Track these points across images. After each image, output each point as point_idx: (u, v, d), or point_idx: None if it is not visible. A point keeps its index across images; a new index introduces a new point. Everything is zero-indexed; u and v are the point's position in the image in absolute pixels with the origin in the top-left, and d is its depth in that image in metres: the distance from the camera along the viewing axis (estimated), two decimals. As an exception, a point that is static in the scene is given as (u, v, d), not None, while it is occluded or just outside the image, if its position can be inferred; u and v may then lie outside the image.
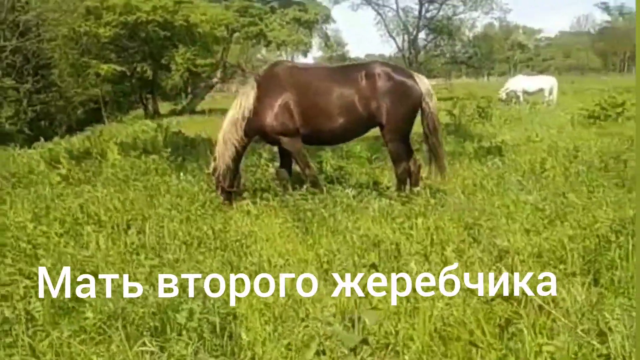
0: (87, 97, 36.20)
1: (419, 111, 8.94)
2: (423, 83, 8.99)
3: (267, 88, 9.20)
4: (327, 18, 45.19)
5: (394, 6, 49.55)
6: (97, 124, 31.19)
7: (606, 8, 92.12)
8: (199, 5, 35.83)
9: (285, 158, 9.52)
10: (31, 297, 4.72)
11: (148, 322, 4.39)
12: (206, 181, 9.57)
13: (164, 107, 41.83)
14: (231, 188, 9.31)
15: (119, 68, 34.18)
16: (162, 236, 6.89)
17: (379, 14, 49.60)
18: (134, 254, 6.22)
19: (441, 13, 48.98)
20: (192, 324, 4.25)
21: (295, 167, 9.63)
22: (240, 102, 9.23)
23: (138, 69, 36.56)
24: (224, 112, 30.19)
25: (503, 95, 31.56)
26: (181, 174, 10.56)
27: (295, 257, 6.44)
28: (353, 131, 9.30)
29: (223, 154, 9.22)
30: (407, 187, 9.00)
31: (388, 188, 9.97)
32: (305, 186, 8.80)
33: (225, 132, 9.22)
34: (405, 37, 48.69)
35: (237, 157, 9.33)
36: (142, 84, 36.83)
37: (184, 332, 4.26)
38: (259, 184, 10.12)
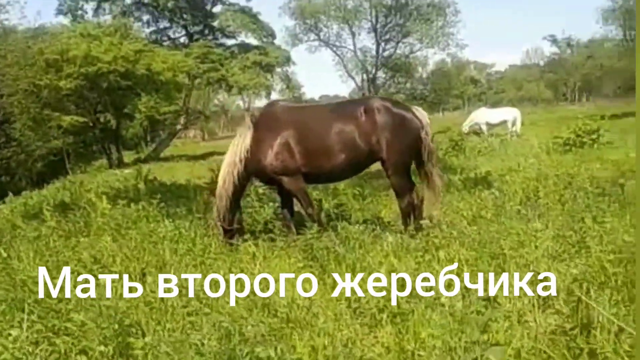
0: (48, 150, 35.67)
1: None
2: (421, 115, 8.99)
3: (265, 128, 9.09)
4: (288, 60, 45.56)
5: (352, 47, 50.06)
6: (59, 176, 30.62)
7: (554, 40, 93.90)
8: (159, 53, 35.77)
9: (286, 198, 9.38)
10: (75, 353, 4.46)
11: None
12: (207, 224, 9.43)
13: (127, 156, 41.40)
14: (231, 226, 9.13)
15: (81, 119, 33.81)
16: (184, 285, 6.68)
17: (337, 54, 50.23)
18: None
19: (398, 51, 49.75)
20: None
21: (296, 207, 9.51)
22: (238, 143, 9.10)
23: (101, 119, 36.16)
24: (188, 157, 30.17)
25: (466, 129, 31.83)
26: (171, 220, 10.37)
27: (321, 299, 6.29)
28: (355, 167, 9.22)
29: (222, 195, 9.06)
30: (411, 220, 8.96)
31: (389, 223, 9.91)
32: (310, 225, 8.68)
33: (224, 174, 9.07)
34: (364, 76, 49.23)
35: (237, 198, 9.19)
36: (105, 134, 36.38)
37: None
38: (255, 226, 9.94)
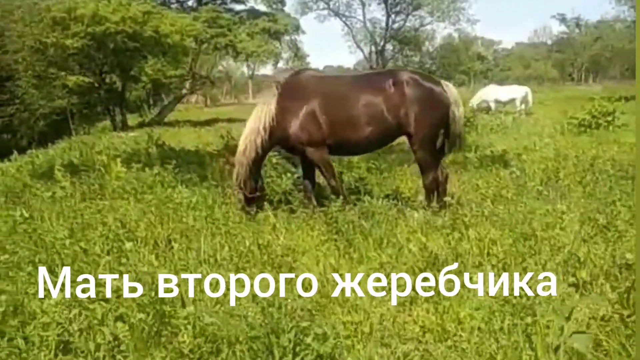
0: (52, 109, 35.43)
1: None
2: (450, 90, 8.80)
3: (291, 96, 8.91)
4: (297, 29, 45.11)
5: (361, 17, 49.54)
6: (63, 136, 30.37)
7: (563, 19, 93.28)
8: (167, 16, 35.18)
9: (308, 169, 9.22)
10: (114, 320, 4.31)
11: (252, 345, 4.04)
12: (225, 192, 9.32)
13: (130, 119, 41.05)
14: (253, 194, 8.99)
15: (86, 80, 33.42)
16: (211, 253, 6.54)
17: (346, 25, 49.74)
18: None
19: (408, 24, 49.31)
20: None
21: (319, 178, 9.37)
22: (262, 110, 8.93)
23: (107, 80, 35.78)
24: (192, 123, 29.92)
25: (474, 106, 31.46)
26: (185, 186, 10.25)
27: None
28: (381, 141, 9.07)
29: (242, 162, 8.90)
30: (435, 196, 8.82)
31: (409, 198, 9.78)
32: (333, 197, 8.54)
33: (246, 141, 8.90)
34: (373, 48, 48.77)
35: (257, 165, 9.06)
36: (110, 95, 35.98)
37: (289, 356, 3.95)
38: (273, 196, 9.79)
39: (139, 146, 17.70)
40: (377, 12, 69.71)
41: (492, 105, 32.15)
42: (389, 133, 8.82)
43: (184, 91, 43.71)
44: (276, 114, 8.82)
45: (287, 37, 44.73)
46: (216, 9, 40.30)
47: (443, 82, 9.03)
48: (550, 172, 10.89)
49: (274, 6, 44.27)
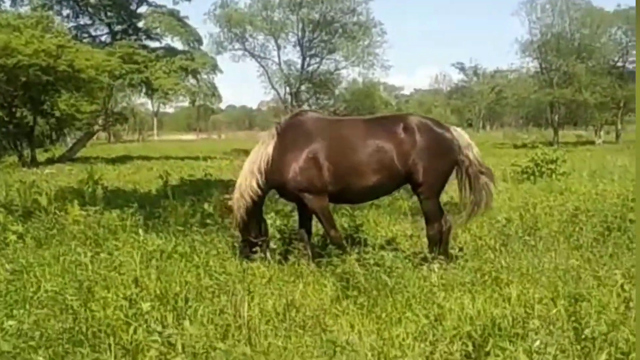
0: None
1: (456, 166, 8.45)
2: (460, 134, 8.48)
3: (291, 138, 8.37)
4: (214, 68, 44.49)
5: (277, 59, 49.42)
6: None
7: (462, 68, 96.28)
8: (82, 50, 34.07)
9: (304, 217, 8.68)
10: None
11: None
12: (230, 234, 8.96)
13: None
14: (258, 238, 8.41)
15: (-4, 113, 31.85)
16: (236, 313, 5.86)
17: (261, 66, 49.43)
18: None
19: (323, 67, 49.47)
20: None
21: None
22: (259, 152, 8.39)
23: (17, 115, 34.06)
24: (105, 160, 28.81)
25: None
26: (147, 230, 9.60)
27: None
28: (386, 189, 8.69)
29: (240, 205, 8.37)
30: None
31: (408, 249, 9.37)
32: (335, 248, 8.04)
33: (242, 184, 8.37)
34: (288, 89, 48.67)
35: (254, 210, 8.49)
36: (19, 130, 34.27)
37: None
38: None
39: (71, 185, 16.60)
40: (292, 55, 69.82)
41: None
42: (397, 181, 8.43)
43: (96, 127, 42.20)
44: (273, 156, 8.30)
45: (204, 76, 44.10)
46: (132, 45, 39.27)
47: (452, 127, 8.71)
48: (528, 222, 10.70)
49: (191, 44, 43.53)
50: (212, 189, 14.79)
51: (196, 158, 36.61)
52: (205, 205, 11.79)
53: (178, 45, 43.54)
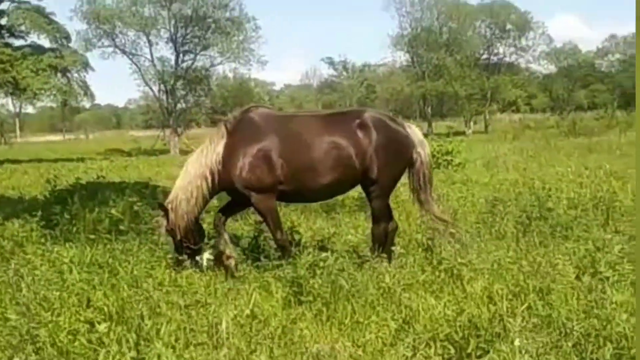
0: None
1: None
2: (414, 132, 8.27)
3: (241, 136, 7.89)
4: (86, 65, 42.56)
5: (149, 56, 47.92)
6: None
7: (331, 62, 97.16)
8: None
9: (231, 206, 8.36)
10: None
11: None
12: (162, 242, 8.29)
13: None
14: (198, 245, 7.96)
15: None
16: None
17: (133, 62, 47.81)
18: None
19: (198, 64, 48.47)
20: None
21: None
22: (207, 152, 7.87)
23: None
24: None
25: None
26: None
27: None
28: (342, 188, 8.34)
29: (188, 212, 7.83)
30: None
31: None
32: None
33: (190, 188, 7.83)
34: (162, 86, 47.30)
35: (199, 214, 8.07)
36: None
37: None
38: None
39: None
40: (165, 51, 68.11)
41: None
42: (354, 180, 8.09)
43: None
44: (224, 155, 7.82)
45: (75, 74, 42.09)
46: (-5, 43, 37.02)
47: (406, 124, 8.48)
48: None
49: (59, 42, 41.42)
50: (106, 192, 13.98)
51: (70, 160, 35.06)
52: (113, 210, 11.06)
53: (45, 43, 41.41)
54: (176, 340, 5.04)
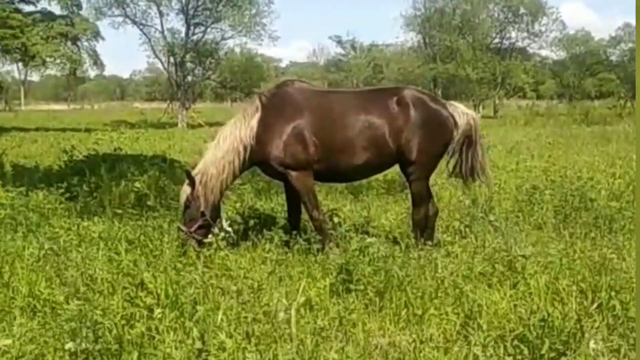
0: None
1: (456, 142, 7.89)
2: (456, 110, 7.91)
3: (276, 111, 7.61)
4: (97, 34, 42.06)
5: (159, 27, 47.26)
6: None
7: (339, 41, 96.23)
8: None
9: (293, 201, 8.04)
10: None
11: None
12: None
13: None
14: (216, 221, 7.65)
15: None
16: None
17: (144, 33, 47.18)
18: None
19: (209, 37, 47.83)
20: None
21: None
22: (240, 127, 7.56)
23: None
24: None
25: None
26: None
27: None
28: (377, 168, 8.03)
29: (216, 187, 7.54)
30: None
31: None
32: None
33: (223, 162, 7.52)
34: (172, 59, 46.72)
35: (227, 189, 7.88)
36: None
37: None
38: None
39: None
40: (176, 22, 67.24)
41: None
42: (388, 160, 7.78)
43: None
44: (258, 131, 7.53)
45: (85, 43, 41.58)
46: (5, 8, 36.39)
47: (451, 104, 8.13)
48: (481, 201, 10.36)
49: (70, 9, 40.80)
50: (124, 165, 13.65)
51: (77, 130, 34.62)
52: (137, 184, 10.73)
53: (56, 9, 40.80)
54: (235, 329, 4.71)
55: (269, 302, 5.28)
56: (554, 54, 63.09)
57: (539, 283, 5.85)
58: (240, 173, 7.83)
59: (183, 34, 47.02)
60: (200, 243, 7.36)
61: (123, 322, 4.54)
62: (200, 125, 38.37)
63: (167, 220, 8.46)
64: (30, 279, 5.67)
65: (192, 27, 46.91)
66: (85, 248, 6.77)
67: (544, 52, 66.98)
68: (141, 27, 46.98)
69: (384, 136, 7.53)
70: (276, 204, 10.20)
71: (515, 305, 5.50)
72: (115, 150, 15.91)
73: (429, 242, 7.45)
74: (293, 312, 4.85)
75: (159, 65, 54.89)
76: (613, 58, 61.84)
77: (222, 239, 7.22)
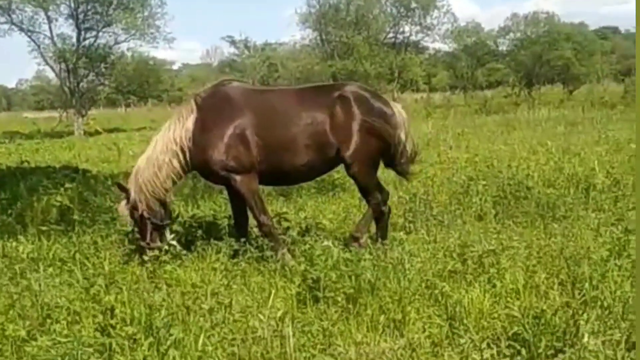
0: None
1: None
2: (399, 112, 7.72)
3: (214, 112, 7.22)
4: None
5: (48, 33, 45.24)
6: None
7: (232, 42, 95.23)
8: None
9: (238, 207, 7.65)
10: None
11: None
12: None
13: None
14: (163, 222, 7.32)
15: None
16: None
17: (32, 40, 45.08)
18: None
19: (102, 41, 46.16)
20: None
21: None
22: (174, 129, 7.15)
23: None
24: None
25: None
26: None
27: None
28: (321, 168, 7.69)
29: (152, 189, 7.20)
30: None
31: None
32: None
33: (158, 164, 7.16)
34: (64, 65, 44.82)
35: (167, 191, 7.39)
36: None
37: None
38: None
39: None
40: (65, 28, 64.85)
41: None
42: (331, 158, 7.46)
43: None
44: (194, 132, 7.14)
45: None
46: None
47: (391, 102, 7.92)
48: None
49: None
50: (33, 178, 12.86)
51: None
52: (58, 198, 10.05)
53: None
54: (222, 353, 4.30)
55: (246, 320, 4.87)
56: (446, 46, 64.21)
57: (516, 278, 5.67)
58: (179, 178, 7.42)
59: (74, 39, 45.23)
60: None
61: (98, 356, 4.04)
62: (97, 132, 37.06)
63: (102, 235, 7.90)
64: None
65: (83, 32, 45.17)
66: (23, 271, 6.12)
67: (437, 45, 68.15)
68: (29, 33, 44.91)
69: (325, 133, 7.27)
70: (209, 210, 9.78)
71: (497, 303, 5.30)
72: (22, 162, 14.96)
73: (385, 241, 7.26)
74: (289, 331, 4.46)
75: (48, 73, 52.65)
76: (503, 48, 63.34)
77: (167, 252, 6.82)
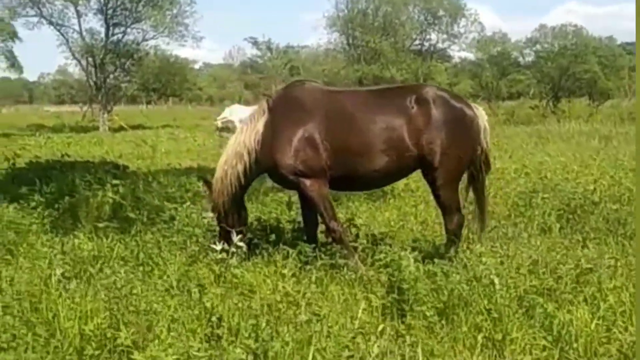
0: None
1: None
2: (481, 114, 7.38)
3: (284, 114, 6.97)
4: (14, 35, 39.81)
5: (77, 27, 45.21)
6: None
7: (255, 42, 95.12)
8: None
9: (309, 212, 7.42)
10: None
11: None
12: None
13: None
14: (234, 228, 7.09)
15: None
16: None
17: (61, 34, 45.08)
18: None
19: (130, 37, 46.12)
20: None
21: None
22: (246, 130, 6.93)
23: None
24: None
25: (219, 124, 30.53)
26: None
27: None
28: (398, 173, 7.36)
29: (222, 191, 7.04)
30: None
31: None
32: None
33: (225, 167, 7.03)
34: (91, 60, 44.78)
35: (241, 195, 7.25)
36: None
37: None
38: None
39: None
40: (94, 23, 65.00)
41: (237, 125, 31.14)
42: (408, 164, 7.15)
43: None
44: (264, 135, 6.92)
45: (1, 44, 39.27)
46: None
47: (474, 105, 7.57)
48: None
49: (-18, 9, 38.58)
50: (78, 172, 12.62)
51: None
52: (109, 194, 9.81)
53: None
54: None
55: (342, 334, 4.58)
56: (472, 55, 63.77)
57: (620, 299, 5.36)
58: (247, 180, 7.18)
59: (102, 35, 45.20)
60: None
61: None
62: (122, 128, 37.02)
63: (164, 235, 7.65)
64: (74, 314, 4.80)
65: (111, 28, 45.10)
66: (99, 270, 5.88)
67: (462, 54, 67.66)
68: (58, 27, 44.91)
69: (402, 138, 6.93)
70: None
71: (607, 326, 4.99)
72: (62, 156, 14.72)
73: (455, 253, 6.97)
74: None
75: (71, 68, 52.54)
76: (528, 59, 62.77)
77: (233, 255, 6.59)
